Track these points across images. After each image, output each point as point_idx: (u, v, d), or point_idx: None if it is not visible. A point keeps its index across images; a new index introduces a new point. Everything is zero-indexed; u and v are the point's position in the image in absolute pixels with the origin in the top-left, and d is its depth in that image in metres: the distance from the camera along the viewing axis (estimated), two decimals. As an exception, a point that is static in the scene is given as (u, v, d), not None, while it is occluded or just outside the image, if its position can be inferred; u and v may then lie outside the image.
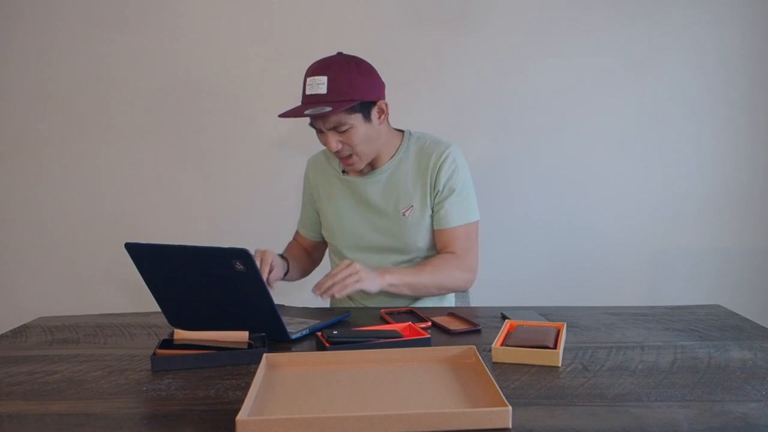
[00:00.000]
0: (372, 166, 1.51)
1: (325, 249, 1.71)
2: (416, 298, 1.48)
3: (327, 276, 1.27)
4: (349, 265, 1.27)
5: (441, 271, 1.42)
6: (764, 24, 2.09)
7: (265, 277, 1.30)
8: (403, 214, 1.47)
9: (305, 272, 1.65)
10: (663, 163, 2.16)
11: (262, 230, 2.14)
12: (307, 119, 1.36)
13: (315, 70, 1.36)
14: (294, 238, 1.72)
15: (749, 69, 2.11)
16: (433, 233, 1.49)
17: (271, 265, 1.34)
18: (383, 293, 1.44)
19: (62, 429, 0.75)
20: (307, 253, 1.68)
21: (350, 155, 1.42)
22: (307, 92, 1.37)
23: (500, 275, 2.05)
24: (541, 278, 2.19)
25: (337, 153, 1.41)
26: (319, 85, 1.34)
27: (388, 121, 1.49)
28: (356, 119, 1.38)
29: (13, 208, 2.23)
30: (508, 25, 2.10)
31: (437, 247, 1.50)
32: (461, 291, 1.54)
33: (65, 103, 2.18)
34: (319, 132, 1.41)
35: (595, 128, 2.15)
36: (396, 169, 1.49)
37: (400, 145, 1.51)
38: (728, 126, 2.14)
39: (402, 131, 1.55)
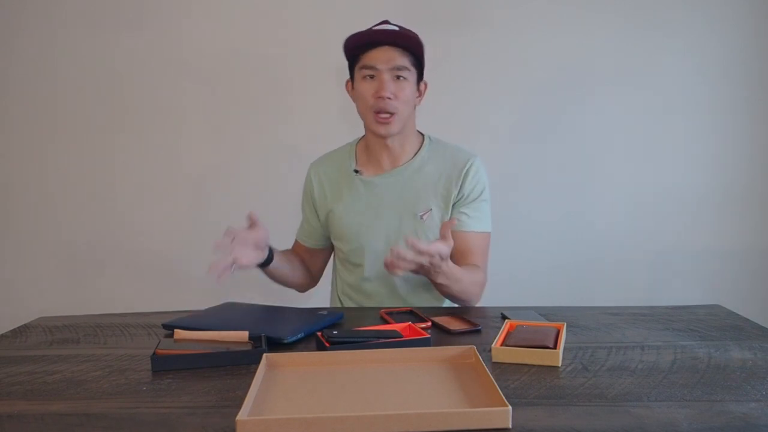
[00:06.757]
0: (392, 163, 1.46)
1: (323, 261, 1.62)
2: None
3: (420, 251, 1.11)
4: (442, 259, 1.16)
5: (471, 276, 1.32)
6: (764, 24, 2.09)
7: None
8: (421, 218, 1.42)
9: (296, 276, 1.52)
10: (663, 162, 2.16)
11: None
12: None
13: (383, 22, 1.39)
14: (292, 248, 1.62)
15: (749, 69, 2.11)
16: None
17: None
18: (384, 294, 1.43)
19: (62, 429, 0.75)
20: (300, 259, 1.56)
21: (392, 113, 1.36)
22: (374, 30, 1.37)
23: (500, 275, 2.05)
24: (541, 278, 2.19)
25: (383, 104, 1.34)
26: (391, 26, 1.37)
27: (414, 115, 1.46)
28: (412, 75, 1.38)
29: (14, 208, 2.23)
30: (508, 26, 2.11)
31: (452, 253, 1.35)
32: (468, 304, 1.38)
33: (66, 102, 2.18)
34: (370, 78, 1.36)
35: (595, 128, 2.15)
36: (417, 170, 1.45)
37: (421, 146, 1.48)
38: (728, 126, 2.14)
39: (422, 134, 1.51)
